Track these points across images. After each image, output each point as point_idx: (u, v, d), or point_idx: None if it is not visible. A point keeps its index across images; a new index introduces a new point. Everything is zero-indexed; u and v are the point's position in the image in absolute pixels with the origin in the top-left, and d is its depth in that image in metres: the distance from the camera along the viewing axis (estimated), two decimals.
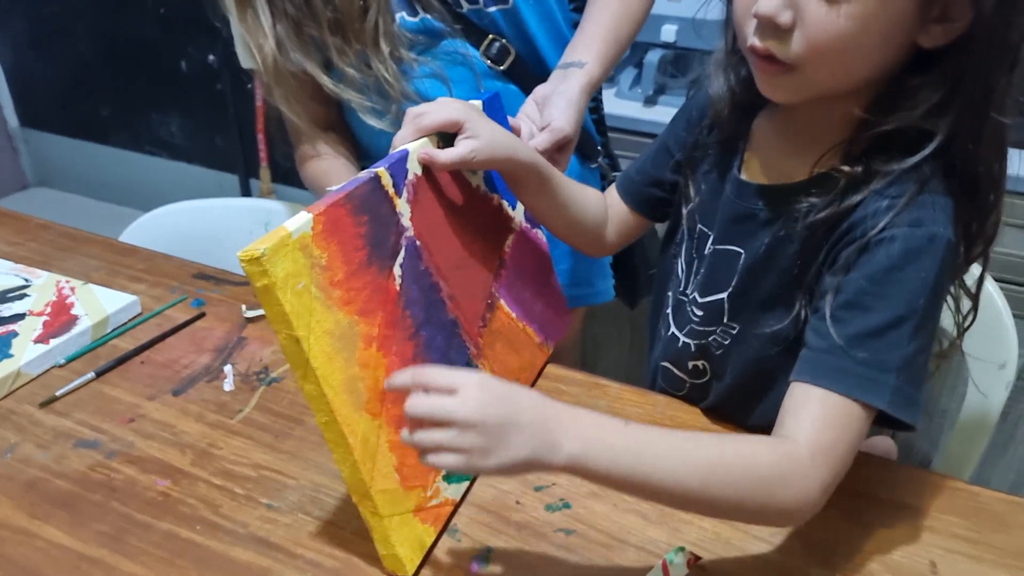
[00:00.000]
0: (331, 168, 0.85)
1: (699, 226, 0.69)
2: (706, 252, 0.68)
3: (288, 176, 2.18)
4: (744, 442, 0.51)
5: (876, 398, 0.51)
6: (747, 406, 0.67)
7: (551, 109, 0.74)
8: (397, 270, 0.55)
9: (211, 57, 2.20)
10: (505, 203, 0.69)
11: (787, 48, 0.52)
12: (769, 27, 0.52)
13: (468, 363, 0.62)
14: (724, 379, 0.67)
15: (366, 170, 0.54)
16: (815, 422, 0.51)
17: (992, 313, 0.85)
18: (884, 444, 0.82)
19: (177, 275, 0.87)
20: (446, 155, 0.60)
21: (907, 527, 0.56)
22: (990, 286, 0.86)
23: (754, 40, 0.54)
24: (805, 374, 0.53)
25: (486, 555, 0.53)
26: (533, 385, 0.70)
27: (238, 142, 2.27)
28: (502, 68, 0.83)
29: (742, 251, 0.64)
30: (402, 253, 0.55)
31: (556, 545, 0.54)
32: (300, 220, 0.48)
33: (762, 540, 0.55)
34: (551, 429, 0.47)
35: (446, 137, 0.61)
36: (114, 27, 2.35)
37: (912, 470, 0.63)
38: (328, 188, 0.60)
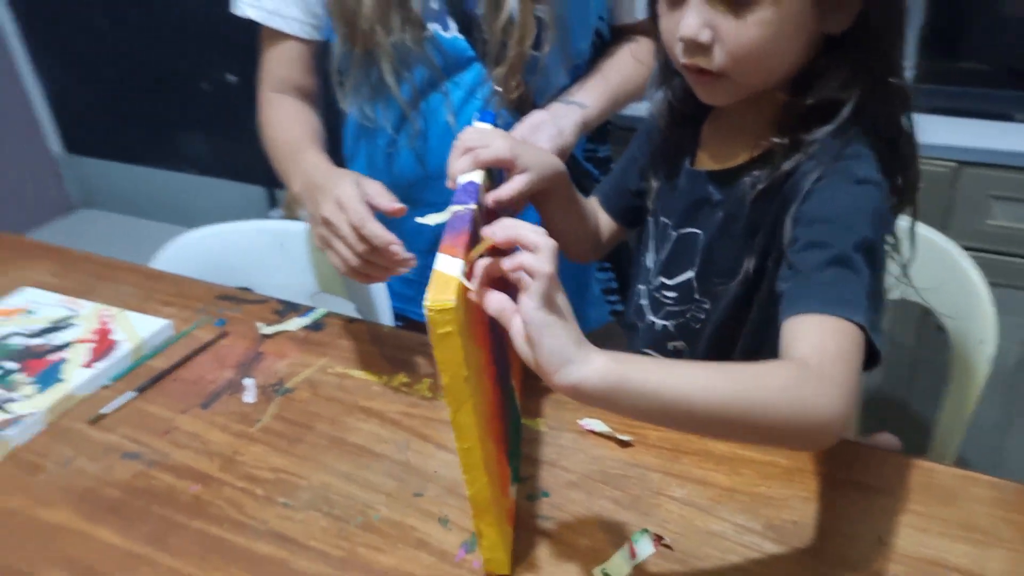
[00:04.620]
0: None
1: (661, 217, 0.76)
2: (668, 239, 0.75)
3: None
4: (757, 363, 0.51)
5: (856, 314, 0.53)
6: None
7: (540, 135, 0.79)
8: None
9: (229, 76, 2.30)
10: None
11: (712, 61, 0.60)
12: (693, 46, 0.60)
13: (508, 374, 0.65)
14: (698, 356, 0.73)
15: (463, 207, 0.57)
16: (811, 340, 0.53)
17: (969, 290, 0.88)
18: (889, 441, 0.86)
19: (202, 297, 0.95)
20: (509, 192, 0.65)
21: (859, 504, 0.61)
22: (964, 263, 0.89)
23: (683, 59, 0.61)
24: (787, 312, 0.55)
25: (472, 541, 0.60)
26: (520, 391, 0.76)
27: (260, 155, 2.38)
28: (512, 97, 0.85)
29: (700, 232, 0.71)
30: None
31: (536, 531, 0.61)
32: (457, 266, 0.50)
33: (723, 519, 0.60)
34: (582, 343, 0.49)
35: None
36: (142, 53, 2.47)
37: (874, 451, 0.67)
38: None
